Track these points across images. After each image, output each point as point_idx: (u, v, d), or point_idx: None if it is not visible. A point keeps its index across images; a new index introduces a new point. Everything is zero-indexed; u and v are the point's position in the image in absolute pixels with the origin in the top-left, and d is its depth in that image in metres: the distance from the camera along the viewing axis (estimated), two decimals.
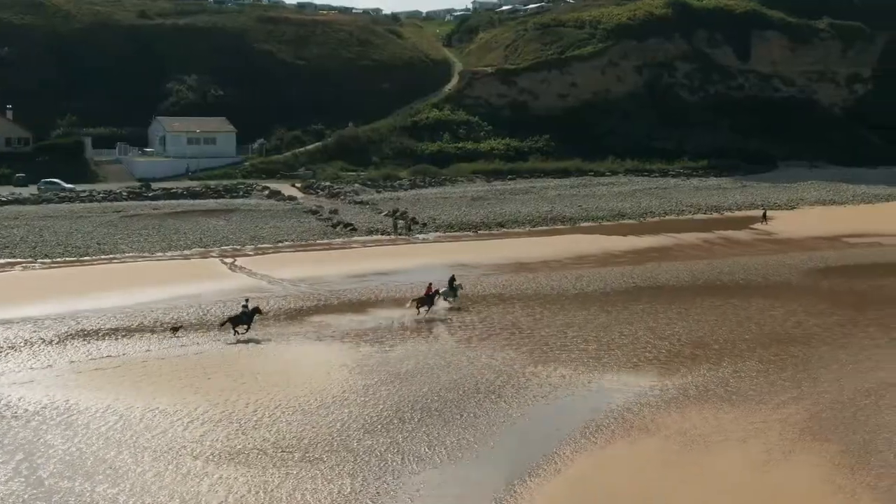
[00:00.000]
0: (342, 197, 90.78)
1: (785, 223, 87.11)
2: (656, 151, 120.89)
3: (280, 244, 69.79)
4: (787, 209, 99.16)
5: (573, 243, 73.46)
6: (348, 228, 76.11)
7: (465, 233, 78.71)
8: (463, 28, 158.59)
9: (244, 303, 43.86)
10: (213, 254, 65.08)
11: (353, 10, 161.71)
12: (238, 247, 68.13)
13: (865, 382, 35.62)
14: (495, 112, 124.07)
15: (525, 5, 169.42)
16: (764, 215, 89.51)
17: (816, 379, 36.09)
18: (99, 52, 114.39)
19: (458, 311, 48.32)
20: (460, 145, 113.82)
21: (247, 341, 41.53)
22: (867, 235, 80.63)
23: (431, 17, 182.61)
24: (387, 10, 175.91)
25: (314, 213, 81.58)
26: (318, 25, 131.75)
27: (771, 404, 32.76)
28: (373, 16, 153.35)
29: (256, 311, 43.19)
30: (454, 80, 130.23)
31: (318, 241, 71.80)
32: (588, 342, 41.89)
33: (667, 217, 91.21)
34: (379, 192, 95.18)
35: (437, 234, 77.76)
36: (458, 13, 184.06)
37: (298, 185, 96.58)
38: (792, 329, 45.04)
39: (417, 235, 76.16)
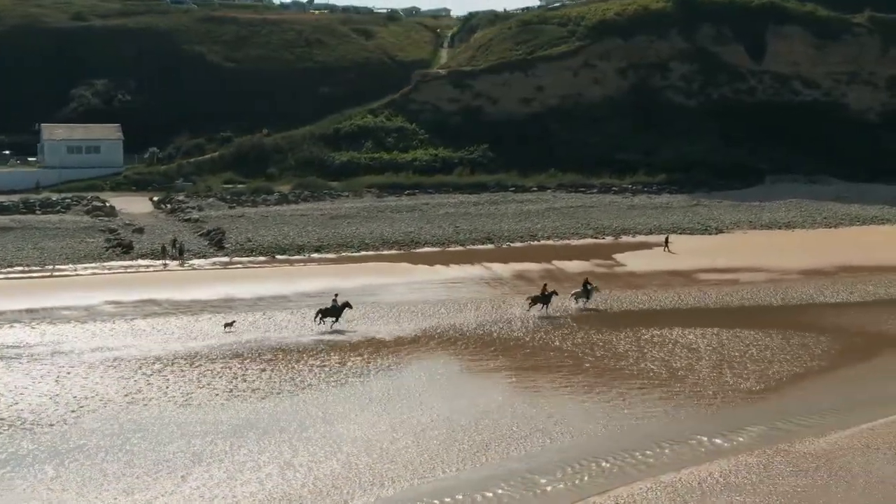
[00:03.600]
0: (179, 213, 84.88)
1: (676, 251, 76.86)
2: (617, 164, 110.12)
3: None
4: (714, 233, 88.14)
5: (350, 275, 65.51)
6: (121, 251, 70.30)
7: (265, 258, 71.62)
8: (465, 28, 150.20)
9: (334, 297, 50.20)
10: None
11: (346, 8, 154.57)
12: None
13: None
14: (444, 118, 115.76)
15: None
16: (666, 241, 79.37)
17: None
18: (13, 56, 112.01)
19: None
20: (376, 155, 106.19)
21: None
22: (742, 270, 69.69)
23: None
24: (458, 12, 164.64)
25: (111, 231, 76.52)
26: (265, 25, 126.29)
27: None
28: (347, 14, 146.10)
29: (346, 305, 49.66)
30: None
31: (59, 266, 66.26)
32: None
33: (545, 242, 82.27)
34: (232, 207, 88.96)
35: (224, 259, 70.88)
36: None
37: (156, 198, 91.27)
38: None
39: (192, 261, 69.37)
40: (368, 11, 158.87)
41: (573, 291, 55.60)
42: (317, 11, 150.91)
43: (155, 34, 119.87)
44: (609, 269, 70.39)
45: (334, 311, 49.20)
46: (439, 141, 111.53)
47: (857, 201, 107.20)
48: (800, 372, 43.00)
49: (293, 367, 42.36)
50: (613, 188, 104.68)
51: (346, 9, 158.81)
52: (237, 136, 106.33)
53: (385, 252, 75.42)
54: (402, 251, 76.01)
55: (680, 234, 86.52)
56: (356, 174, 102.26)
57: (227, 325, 48.52)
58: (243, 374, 41.18)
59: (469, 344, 47.46)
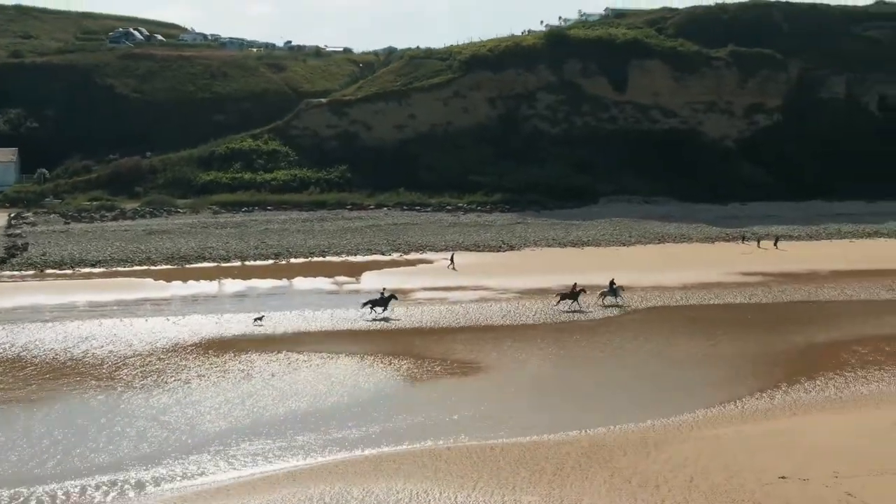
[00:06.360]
0: (11, 228, 79.25)
1: (459, 267, 69.93)
2: (469, 185, 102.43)
3: None
4: (506, 250, 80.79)
5: (66, 291, 59.68)
6: None
7: (33, 272, 65.74)
8: (384, 63, 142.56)
9: (382, 290, 52.20)
10: None
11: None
12: None
13: None
14: (320, 143, 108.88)
15: None
16: (451, 258, 72.52)
17: None
18: None
19: None
20: (238, 175, 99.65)
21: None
22: (466, 289, 62.68)
23: None
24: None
25: None
26: (178, 61, 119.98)
27: None
28: (267, 50, 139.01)
29: (392, 297, 51.52)
30: None
31: None
32: None
33: (330, 258, 75.99)
34: (67, 223, 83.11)
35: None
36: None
37: (12, 214, 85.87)
38: None
39: None
40: (315, 49, 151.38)
41: (600, 291, 55.60)
42: (255, 49, 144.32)
43: (77, 70, 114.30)
44: (339, 287, 63.31)
45: (382, 301, 51.19)
46: (308, 163, 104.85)
47: (682, 220, 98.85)
48: (302, 407, 35.81)
49: None
50: (448, 206, 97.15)
51: (292, 48, 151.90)
52: (122, 159, 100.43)
53: (158, 267, 68.99)
54: (176, 266, 69.55)
55: (474, 251, 79.50)
56: (213, 192, 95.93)
57: (256, 319, 49.07)
58: None
59: None
